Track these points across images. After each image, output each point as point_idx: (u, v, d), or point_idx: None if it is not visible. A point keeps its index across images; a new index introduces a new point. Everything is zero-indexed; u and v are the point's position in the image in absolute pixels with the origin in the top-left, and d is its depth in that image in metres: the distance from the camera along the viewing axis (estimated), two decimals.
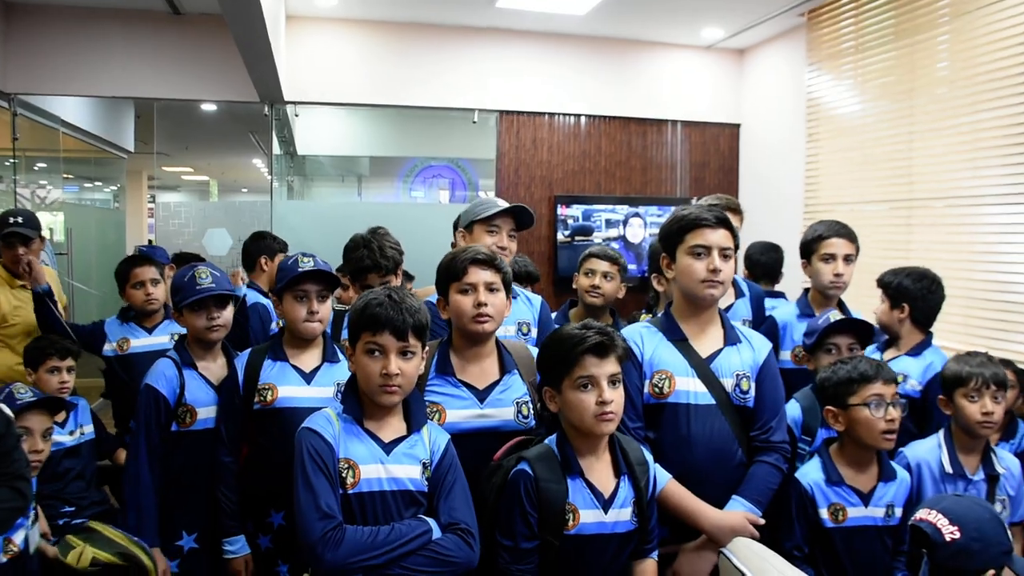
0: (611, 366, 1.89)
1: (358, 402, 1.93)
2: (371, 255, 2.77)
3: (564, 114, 6.47)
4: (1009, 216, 4.17)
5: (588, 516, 1.89)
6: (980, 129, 4.34)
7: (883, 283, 2.95)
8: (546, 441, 1.96)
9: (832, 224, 2.90)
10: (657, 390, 2.18)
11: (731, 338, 2.27)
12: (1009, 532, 1.80)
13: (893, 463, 2.35)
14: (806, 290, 2.96)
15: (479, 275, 2.14)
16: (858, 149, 5.35)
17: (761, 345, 2.31)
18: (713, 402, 2.18)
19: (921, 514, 1.77)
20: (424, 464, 1.91)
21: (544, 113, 6.41)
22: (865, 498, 2.25)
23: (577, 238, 6.37)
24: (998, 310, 4.22)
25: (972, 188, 4.40)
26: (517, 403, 2.16)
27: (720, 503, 2.15)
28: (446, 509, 1.87)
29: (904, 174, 4.93)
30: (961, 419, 2.41)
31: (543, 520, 1.86)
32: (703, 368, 2.20)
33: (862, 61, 5.29)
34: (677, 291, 2.28)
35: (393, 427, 1.93)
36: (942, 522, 1.73)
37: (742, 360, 2.24)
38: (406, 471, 1.88)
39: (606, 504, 1.91)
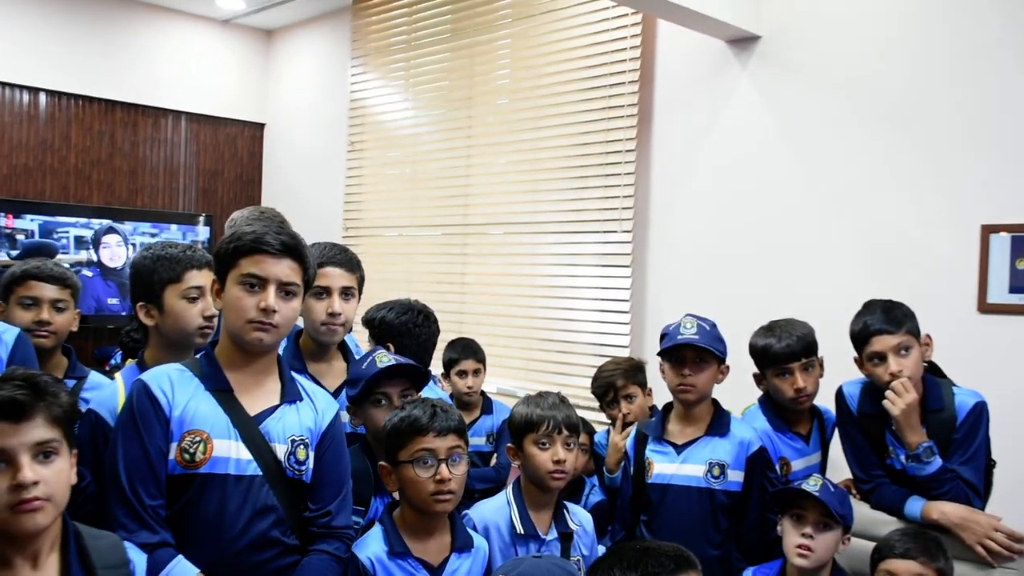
0: (35, 432, 1.74)
1: None
2: None
3: (14, 86, 6.10)
4: (570, 246, 4.70)
5: None
6: (541, 148, 4.85)
7: (366, 321, 3.09)
8: None
9: (326, 248, 2.81)
10: (187, 456, 2.13)
11: (291, 394, 2.30)
12: None
13: (468, 529, 2.42)
14: (298, 332, 2.84)
15: None
16: (408, 163, 5.65)
17: (327, 406, 2.36)
18: (259, 473, 2.18)
19: None
20: None
21: None
22: (436, 573, 2.28)
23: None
24: (560, 351, 4.71)
25: (532, 214, 4.89)
26: None
27: None
28: None
29: (460, 195, 5.31)
30: (530, 470, 2.53)
31: None
32: (250, 429, 2.20)
33: (415, 60, 5.64)
34: (224, 330, 2.29)
35: None
36: None
37: (300, 422, 2.28)
38: None
39: None
